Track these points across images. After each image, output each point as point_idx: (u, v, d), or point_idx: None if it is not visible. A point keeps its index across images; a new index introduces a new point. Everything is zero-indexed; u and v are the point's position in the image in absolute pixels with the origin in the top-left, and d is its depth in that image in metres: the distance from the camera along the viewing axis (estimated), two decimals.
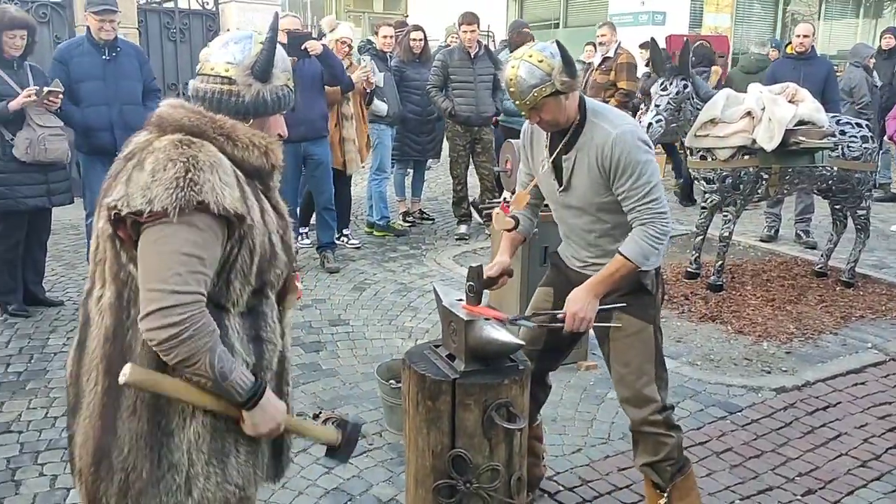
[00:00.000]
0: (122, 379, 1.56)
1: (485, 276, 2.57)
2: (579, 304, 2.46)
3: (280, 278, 1.83)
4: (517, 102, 2.50)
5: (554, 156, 2.61)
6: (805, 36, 6.80)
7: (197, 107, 1.74)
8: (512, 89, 2.46)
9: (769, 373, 4.35)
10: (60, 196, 4.91)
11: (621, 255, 2.45)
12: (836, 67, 7.70)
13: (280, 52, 1.81)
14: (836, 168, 5.51)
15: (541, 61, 2.41)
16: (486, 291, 2.77)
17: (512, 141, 4.66)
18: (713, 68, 9.00)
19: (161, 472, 1.71)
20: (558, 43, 2.41)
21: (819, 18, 16.63)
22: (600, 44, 7.88)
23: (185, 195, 1.57)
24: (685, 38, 6.12)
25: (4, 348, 4.45)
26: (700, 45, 9.45)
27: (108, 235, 1.66)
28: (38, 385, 3.99)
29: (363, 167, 7.32)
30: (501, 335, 2.28)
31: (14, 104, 4.50)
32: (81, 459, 1.74)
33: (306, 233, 6.83)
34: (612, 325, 2.60)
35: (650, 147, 2.51)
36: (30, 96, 4.52)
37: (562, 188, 2.63)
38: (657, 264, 2.66)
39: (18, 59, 4.70)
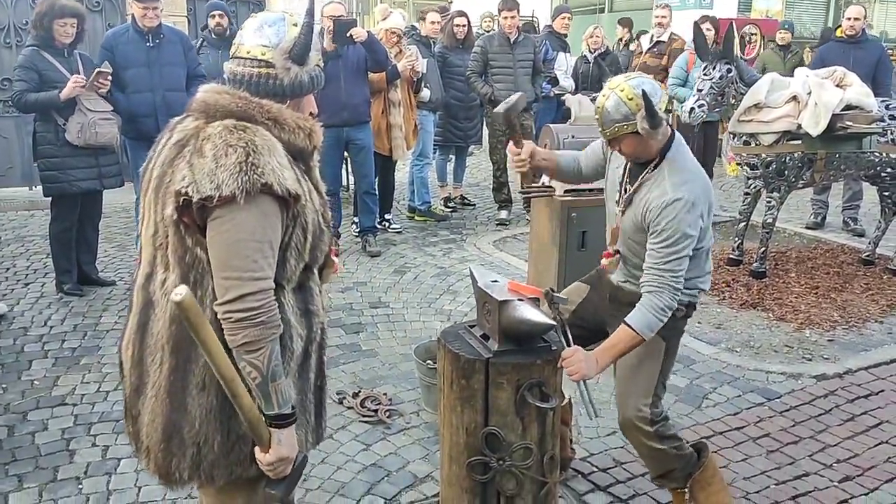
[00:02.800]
0: (176, 297, 1.52)
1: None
2: (584, 361, 2.38)
3: (323, 254, 1.91)
4: (599, 129, 2.53)
5: (625, 176, 2.66)
6: (856, 19, 6.62)
7: (242, 92, 1.78)
8: (597, 117, 2.50)
9: (810, 360, 4.31)
10: (111, 179, 5.06)
11: (626, 325, 2.44)
12: (892, 51, 7.47)
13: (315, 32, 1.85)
14: (884, 154, 5.40)
15: (630, 98, 2.42)
16: (524, 275, 2.80)
17: (551, 126, 4.67)
18: None
19: (230, 443, 1.79)
20: (645, 94, 2.38)
21: (874, 1, 16.14)
22: (658, 25, 7.69)
23: (250, 179, 1.62)
24: (730, 22, 6.01)
25: (60, 325, 4.63)
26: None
27: (174, 221, 1.69)
28: (91, 361, 4.15)
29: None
30: (534, 315, 2.32)
31: (65, 94, 4.65)
32: (150, 437, 1.81)
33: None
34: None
35: (705, 217, 2.50)
36: (77, 83, 4.67)
37: (619, 207, 2.67)
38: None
39: (69, 47, 4.84)
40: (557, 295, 2.53)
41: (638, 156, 2.55)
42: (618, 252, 2.75)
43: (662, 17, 7.71)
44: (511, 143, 2.76)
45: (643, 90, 2.40)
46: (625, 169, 2.67)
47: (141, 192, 1.87)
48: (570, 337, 2.45)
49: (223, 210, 1.64)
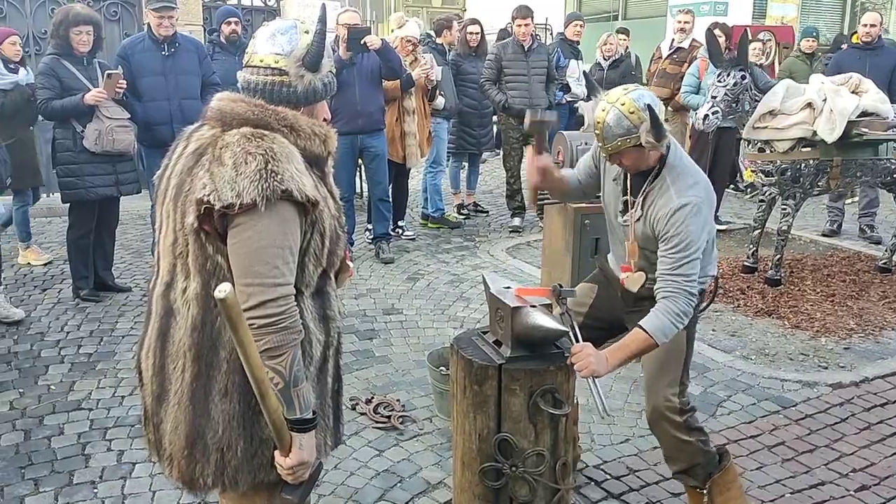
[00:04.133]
0: (219, 294, 1.50)
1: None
2: (594, 356, 2.34)
3: (339, 258, 1.92)
4: (600, 144, 2.53)
5: (626, 188, 2.65)
6: (872, 25, 6.61)
7: (257, 100, 1.79)
8: (598, 132, 2.50)
9: (826, 368, 4.28)
10: (128, 186, 5.10)
11: (641, 328, 2.42)
12: None
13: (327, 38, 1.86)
14: None
15: (632, 112, 2.41)
16: (537, 281, 2.80)
17: (564, 133, 4.68)
18: None
19: (254, 448, 1.81)
20: (650, 105, 2.39)
21: (891, 7, 16.03)
22: (680, 30, 7.50)
23: (270, 186, 1.63)
24: (745, 29, 6.00)
25: (76, 331, 4.67)
26: None
27: (194, 229, 1.70)
28: (107, 366, 4.18)
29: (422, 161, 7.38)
30: (547, 322, 2.32)
31: (88, 98, 4.70)
32: (173, 445, 1.82)
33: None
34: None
35: (710, 217, 2.50)
36: (101, 96, 4.72)
37: (623, 218, 2.67)
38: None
39: (88, 55, 4.90)
40: (565, 289, 2.53)
41: (638, 167, 2.55)
42: (642, 270, 2.70)
43: (685, 22, 7.45)
44: (533, 148, 2.78)
45: (646, 103, 2.40)
46: (624, 181, 2.67)
47: (157, 201, 1.88)
48: (578, 333, 2.44)
49: (244, 217, 1.65)
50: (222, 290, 1.51)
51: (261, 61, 1.81)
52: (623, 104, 2.43)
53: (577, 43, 7.98)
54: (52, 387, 3.93)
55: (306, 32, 1.82)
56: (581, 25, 7.99)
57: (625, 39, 9.20)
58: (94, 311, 4.97)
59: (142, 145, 5.30)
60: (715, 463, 2.74)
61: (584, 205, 4.26)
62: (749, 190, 8.35)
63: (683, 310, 2.43)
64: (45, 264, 5.90)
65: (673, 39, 7.67)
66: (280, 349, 1.67)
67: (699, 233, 2.44)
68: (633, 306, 2.64)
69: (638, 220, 2.61)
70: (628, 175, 2.65)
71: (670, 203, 2.46)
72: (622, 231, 2.72)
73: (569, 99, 7.76)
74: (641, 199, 2.58)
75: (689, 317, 2.46)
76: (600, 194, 2.85)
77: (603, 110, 2.47)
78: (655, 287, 2.49)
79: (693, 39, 7.51)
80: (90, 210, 5.07)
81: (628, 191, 2.65)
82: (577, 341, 2.40)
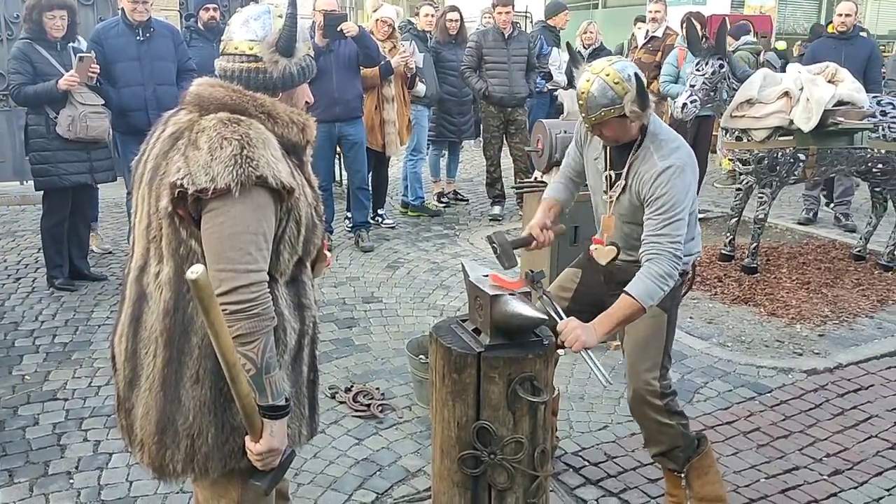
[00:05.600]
0: (191, 275, 1.50)
1: (518, 238, 2.75)
2: (581, 328, 2.38)
3: (316, 247, 1.91)
4: (583, 115, 2.52)
5: (607, 164, 2.66)
6: (847, 15, 6.64)
7: (236, 85, 1.78)
8: (581, 102, 2.49)
9: (801, 355, 4.33)
10: (103, 174, 5.04)
11: (627, 294, 2.42)
12: (883, 47, 7.36)
13: (299, 23, 1.85)
14: (875, 149, 5.42)
15: (616, 83, 2.41)
16: (517, 269, 2.83)
17: (543, 121, 4.68)
18: None
19: (224, 435, 1.80)
20: (637, 75, 2.41)
21: None
22: (652, 20, 7.56)
23: (245, 171, 1.63)
24: (723, 18, 6.02)
25: (51, 320, 4.61)
26: None
27: (168, 213, 1.69)
28: (83, 355, 4.14)
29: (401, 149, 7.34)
30: (526, 310, 2.31)
31: (62, 83, 4.63)
32: (144, 430, 1.81)
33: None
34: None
35: (693, 182, 2.51)
36: (74, 80, 4.65)
37: (607, 195, 2.67)
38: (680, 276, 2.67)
39: (62, 40, 4.82)
40: (535, 272, 2.53)
41: (619, 139, 2.56)
42: (613, 244, 2.73)
43: (656, 11, 7.55)
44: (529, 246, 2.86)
45: (630, 73, 2.41)
46: (606, 158, 2.67)
47: (133, 186, 1.86)
48: (560, 311, 2.43)
49: (218, 202, 1.64)
50: (194, 271, 1.50)
51: (235, 48, 1.81)
52: (608, 74, 2.43)
53: (560, 30, 7.96)
54: (27, 377, 3.89)
55: (280, 17, 1.82)
56: (567, 14, 7.99)
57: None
58: (70, 301, 4.91)
59: (117, 132, 5.22)
60: (694, 447, 2.77)
61: None
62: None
63: (668, 271, 2.42)
64: (28, 254, 5.82)
65: (647, 30, 7.70)
66: (252, 336, 1.67)
67: (683, 194, 2.45)
68: (617, 289, 2.65)
69: (622, 192, 2.61)
70: (608, 151, 2.65)
71: (654, 167, 2.47)
72: (605, 208, 2.72)
73: (550, 87, 7.75)
74: (626, 170, 2.58)
75: (673, 280, 2.46)
76: (586, 178, 2.85)
77: (587, 80, 2.46)
78: (640, 251, 2.49)
79: (667, 28, 7.54)
80: (64, 198, 5.00)
81: (609, 166, 2.65)
82: (561, 319, 2.40)
